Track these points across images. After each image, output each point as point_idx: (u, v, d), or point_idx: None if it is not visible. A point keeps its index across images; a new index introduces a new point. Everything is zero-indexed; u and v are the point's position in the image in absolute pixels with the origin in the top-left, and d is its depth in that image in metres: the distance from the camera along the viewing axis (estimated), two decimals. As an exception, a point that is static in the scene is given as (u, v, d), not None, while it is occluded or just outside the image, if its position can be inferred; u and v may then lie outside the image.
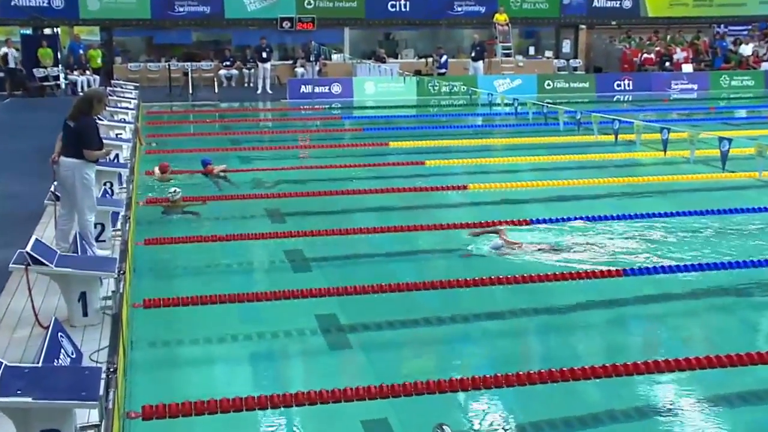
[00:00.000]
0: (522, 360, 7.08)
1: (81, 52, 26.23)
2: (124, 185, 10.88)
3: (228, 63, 28.28)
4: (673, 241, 9.96)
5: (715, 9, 32.11)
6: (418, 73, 27.39)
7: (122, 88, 21.07)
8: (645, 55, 30.40)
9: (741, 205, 11.36)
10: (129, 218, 8.96)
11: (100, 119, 10.95)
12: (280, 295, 7.84)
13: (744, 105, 26.21)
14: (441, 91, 24.47)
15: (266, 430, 5.72)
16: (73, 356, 5.29)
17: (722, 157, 11.06)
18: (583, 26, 32.21)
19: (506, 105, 19.60)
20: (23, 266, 6.68)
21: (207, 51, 29.45)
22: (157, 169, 13.35)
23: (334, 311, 7.71)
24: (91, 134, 8.36)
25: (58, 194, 8.76)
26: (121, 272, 6.91)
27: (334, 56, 28.62)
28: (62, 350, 5.13)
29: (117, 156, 12.24)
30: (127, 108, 17.24)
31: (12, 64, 25.98)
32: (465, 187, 13.12)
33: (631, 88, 27.90)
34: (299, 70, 28.41)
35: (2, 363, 4.46)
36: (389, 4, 29.22)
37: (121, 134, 14.24)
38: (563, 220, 10.69)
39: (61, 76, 26.25)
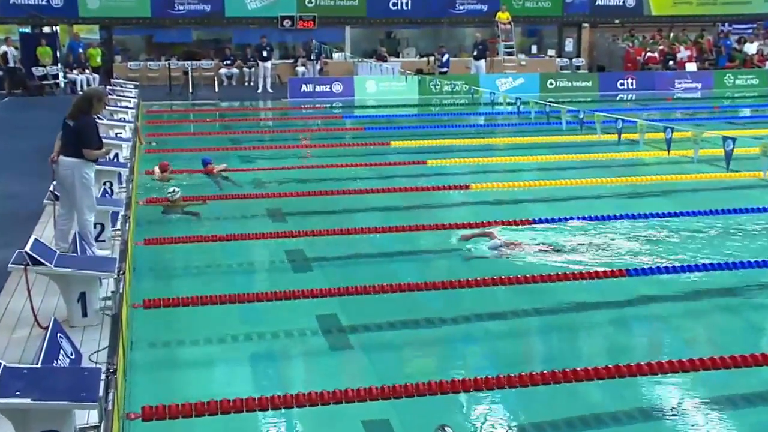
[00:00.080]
0: (524, 361, 7.04)
1: (80, 50, 26.20)
2: (124, 185, 10.86)
3: (228, 62, 28.26)
4: (676, 241, 9.93)
5: (720, 7, 32.03)
6: (419, 72, 27.37)
7: (122, 87, 21.04)
8: (648, 54, 30.31)
9: (745, 205, 11.32)
10: (129, 218, 8.93)
11: (99, 118, 10.92)
12: (280, 296, 7.81)
13: (748, 104, 26.12)
14: (443, 90, 24.45)
15: (267, 432, 5.68)
16: (73, 357, 5.26)
17: (726, 156, 11.04)
18: (586, 25, 32.16)
19: (508, 104, 19.58)
20: (22, 266, 6.65)
21: (207, 50, 29.45)
22: (157, 169, 13.32)
23: (335, 311, 7.67)
24: (90, 133, 8.32)
25: (58, 194, 8.72)
26: (121, 272, 6.88)
27: (335, 55, 28.58)
28: (61, 351, 5.10)
29: (117, 155, 12.22)
30: (126, 107, 17.21)
31: (11, 63, 25.95)
32: (467, 187, 13.07)
33: (634, 87, 27.87)
34: (300, 68, 28.38)
35: (1, 363, 4.43)
36: (391, 2, 29.19)
37: (120, 133, 14.21)
38: (566, 219, 10.65)
39: (61, 74, 26.18)
